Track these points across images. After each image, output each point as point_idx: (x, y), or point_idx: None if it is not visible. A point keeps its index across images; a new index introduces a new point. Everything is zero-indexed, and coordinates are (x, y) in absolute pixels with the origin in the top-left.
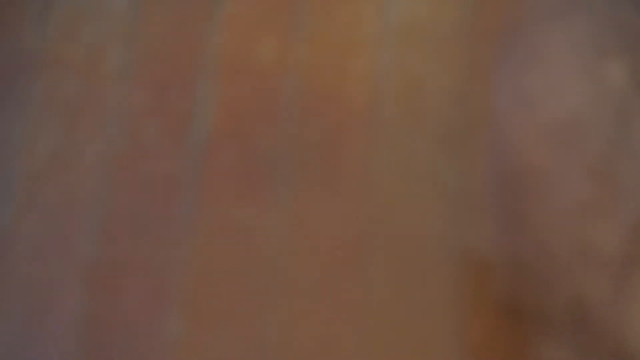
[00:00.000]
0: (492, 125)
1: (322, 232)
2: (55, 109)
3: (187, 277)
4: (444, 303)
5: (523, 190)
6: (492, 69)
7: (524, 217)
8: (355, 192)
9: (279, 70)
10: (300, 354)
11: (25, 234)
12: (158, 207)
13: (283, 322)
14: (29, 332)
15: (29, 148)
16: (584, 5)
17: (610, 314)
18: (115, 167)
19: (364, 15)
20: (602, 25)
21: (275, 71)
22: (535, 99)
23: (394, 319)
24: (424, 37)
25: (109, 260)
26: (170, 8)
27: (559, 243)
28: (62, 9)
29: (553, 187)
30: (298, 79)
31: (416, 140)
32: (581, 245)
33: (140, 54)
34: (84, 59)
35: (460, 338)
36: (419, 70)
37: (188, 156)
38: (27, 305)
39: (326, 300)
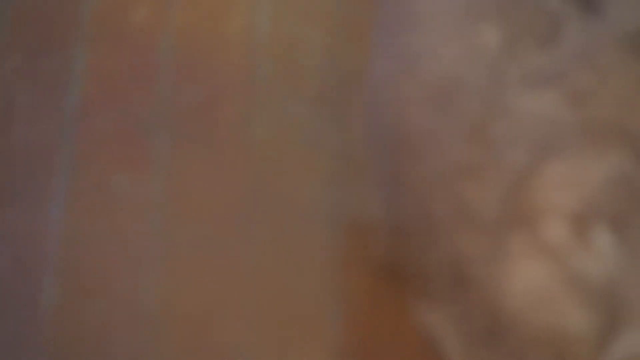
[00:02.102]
0: (369, 86)
1: (201, 195)
2: None
3: (63, 243)
4: (324, 264)
5: (401, 151)
6: (368, 30)
7: (403, 178)
8: (233, 154)
9: (154, 35)
10: (182, 317)
11: None
12: (32, 174)
13: (164, 286)
14: None
15: None
16: None
17: (488, 273)
18: None
19: None
20: None
21: (149, 36)
22: (412, 60)
23: (275, 280)
24: None
25: None
26: None
27: (437, 204)
28: None
29: (431, 149)
30: (173, 44)
31: (293, 102)
32: (459, 206)
33: (13, 18)
34: None
35: (340, 298)
36: (294, 32)
37: (62, 122)
38: None
39: (208, 263)
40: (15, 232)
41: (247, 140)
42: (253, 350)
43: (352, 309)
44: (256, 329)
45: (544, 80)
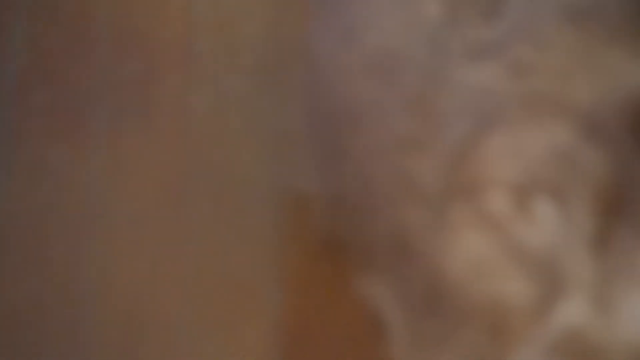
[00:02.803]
0: (308, 59)
1: (140, 169)
2: None
3: None
4: (264, 238)
5: (342, 124)
6: (308, 2)
7: (344, 151)
8: (173, 128)
9: (91, 7)
10: (119, 291)
11: None
12: None
13: (102, 261)
14: None
15: None
16: None
17: (430, 244)
18: None
19: None
20: None
21: (87, 8)
22: (353, 31)
23: (215, 254)
24: None
25: None
26: None
27: (379, 176)
28: None
29: (372, 121)
30: (110, 17)
31: (231, 76)
32: (401, 178)
33: None
34: None
35: (280, 273)
36: (233, 5)
37: None
38: None
39: (146, 238)
40: None
41: (186, 114)
42: (191, 324)
43: (292, 282)
44: (194, 303)
45: (485, 52)
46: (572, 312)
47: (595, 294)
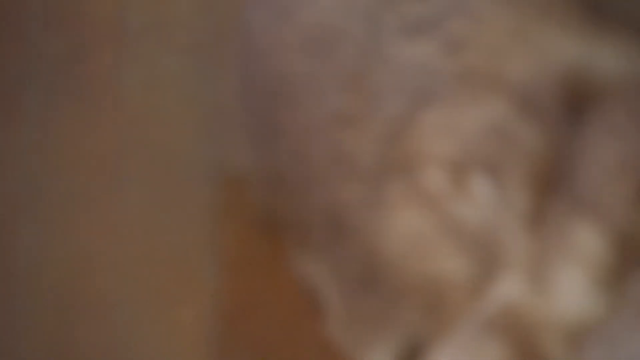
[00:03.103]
0: (244, 35)
1: (74, 147)
2: None
3: None
4: (199, 216)
5: (278, 101)
6: None
7: (280, 127)
8: (106, 106)
9: None
10: (55, 269)
11: None
12: None
13: (37, 239)
14: None
15: None
16: None
17: (366, 222)
18: None
19: None
20: None
21: None
22: (288, 7)
23: (150, 232)
24: None
25: None
26: None
27: (315, 153)
28: None
29: (308, 98)
30: None
31: (165, 53)
32: (337, 155)
33: None
34: None
35: (215, 251)
36: None
37: None
38: None
39: (81, 215)
40: None
41: (120, 91)
42: (127, 302)
43: (229, 260)
44: (131, 280)
45: (421, 28)
46: (509, 288)
47: (531, 270)
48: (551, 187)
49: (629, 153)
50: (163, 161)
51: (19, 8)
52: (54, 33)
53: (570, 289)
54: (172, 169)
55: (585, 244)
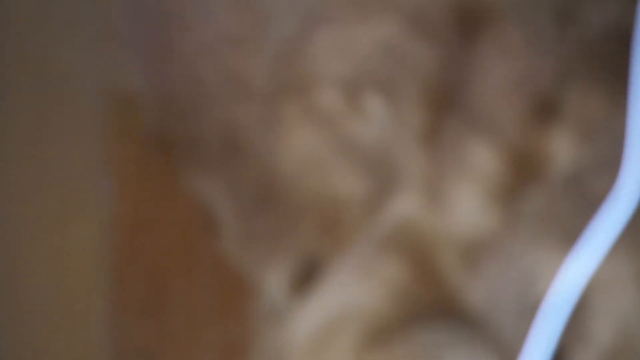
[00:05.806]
0: None
1: None
2: None
3: None
4: (91, 137)
5: (168, 23)
6: None
7: (170, 48)
8: None
9: None
10: None
11: None
12: None
13: None
14: None
15: None
16: None
17: (260, 141)
18: None
19: None
20: None
21: None
22: None
23: (42, 153)
24: None
25: None
26: None
27: (207, 74)
28: None
29: (198, 19)
30: None
31: None
32: (230, 75)
33: None
34: None
35: (108, 170)
36: None
37: None
38: None
39: None
40: None
41: (6, 17)
42: (19, 219)
43: (122, 179)
44: (23, 200)
45: None
46: (404, 205)
47: (427, 187)
48: (444, 105)
49: (522, 72)
50: (53, 82)
51: None
52: None
53: (465, 206)
54: (63, 90)
55: (480, 161)
